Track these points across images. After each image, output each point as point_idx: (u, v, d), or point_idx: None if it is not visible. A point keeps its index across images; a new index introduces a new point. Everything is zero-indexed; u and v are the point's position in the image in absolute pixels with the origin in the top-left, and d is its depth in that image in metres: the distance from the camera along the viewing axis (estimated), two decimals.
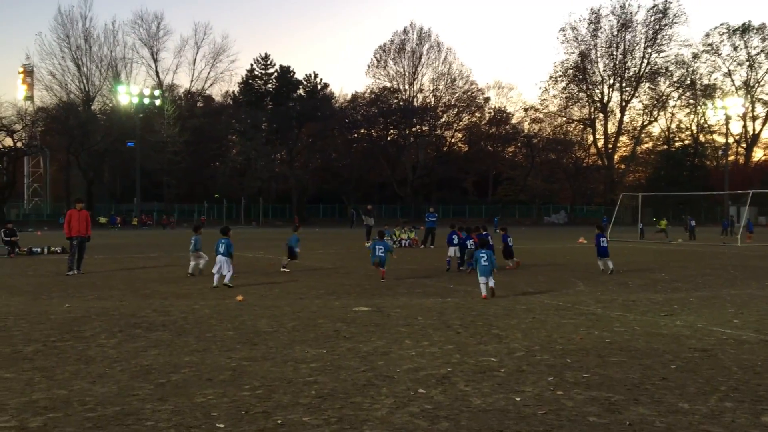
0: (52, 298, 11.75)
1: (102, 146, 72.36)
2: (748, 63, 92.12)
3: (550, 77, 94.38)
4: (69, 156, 72.32)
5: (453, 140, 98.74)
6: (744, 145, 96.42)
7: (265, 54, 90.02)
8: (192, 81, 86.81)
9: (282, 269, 16.99)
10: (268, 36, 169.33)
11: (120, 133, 71.14)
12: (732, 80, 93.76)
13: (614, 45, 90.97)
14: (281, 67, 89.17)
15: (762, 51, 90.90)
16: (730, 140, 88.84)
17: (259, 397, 5.48)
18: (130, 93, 67.64)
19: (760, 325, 9.03)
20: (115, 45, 79.74)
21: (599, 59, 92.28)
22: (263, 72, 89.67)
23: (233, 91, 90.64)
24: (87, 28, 76.46)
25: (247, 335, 8.19)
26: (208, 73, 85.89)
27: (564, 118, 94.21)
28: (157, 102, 70.99)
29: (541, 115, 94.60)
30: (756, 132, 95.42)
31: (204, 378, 6.11)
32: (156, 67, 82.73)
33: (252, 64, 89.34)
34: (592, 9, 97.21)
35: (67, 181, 75.15)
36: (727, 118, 78.17)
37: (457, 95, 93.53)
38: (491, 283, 11.87)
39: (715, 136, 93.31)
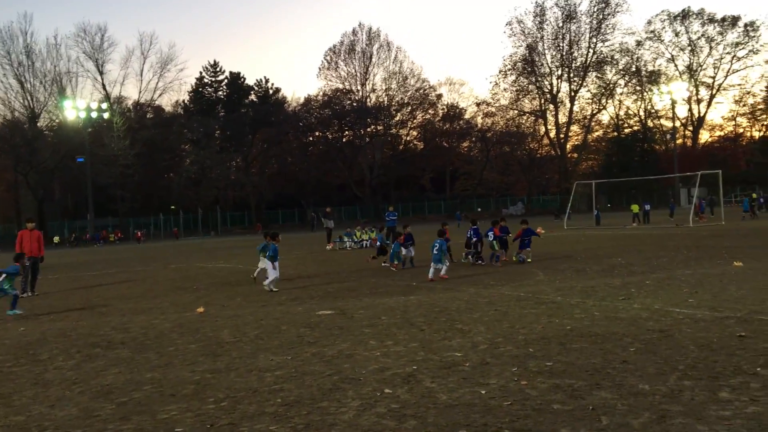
0: (6, 322, 11.41)
1: (51, 163, 70.78)
2: (689, 48, 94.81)
3: (500, 71, 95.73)
4: (17, 175, 70.44)
5: (408, 138, 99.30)
6: (690, 128, 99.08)
7: (214, 61, 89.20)
8: (140, 92, 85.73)
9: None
10: (217, 43, 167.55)
11: (69, 149, 69.66)
12: (675, 65, 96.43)
13: (560, 36, 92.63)
14: (231, 73, 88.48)
15: (702, 35, 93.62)
16: (677, 124, 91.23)
17: (224, 410, 5.41)
18: (77, 107, 66.30)
19: (714, 303, 9.28)
20: (58, 59, 78.34)
21: (546, 51, 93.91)
22: (213, 79, 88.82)
23: (183, 101, 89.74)
24: (28, 43, 74.92)
25: (210, 347, 8.08)
26: (157, 83, 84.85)
27: (516, 111, 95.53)
28: (106, 115, 69.75)
29: (494, 109, 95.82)
30: (701, 115, 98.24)
31: (167, 394, 6.00)
32: (102, 79, 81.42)
33: (201, 72, 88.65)
34: (536, 2, 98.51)
35: (16, 201, 73.19)
36: (673, 103, 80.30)
37: (409, 93, 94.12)
38: (443, 271, 14.00)
39: (663, 121, 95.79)
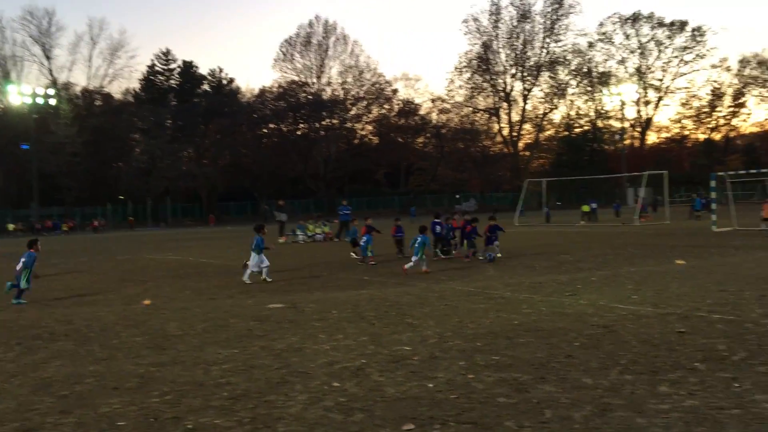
0: None
1: None
2: (639, 50, 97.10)
3: (455, 68, 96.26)
4: None
5: (363, 133, 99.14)
6: (639, 129, 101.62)
7: (167, 49, 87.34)
8: (89, 78, 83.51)
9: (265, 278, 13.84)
10: (169, 31, 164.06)
11: (13, 135, 67.41)
12: (625, 67, 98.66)
13: (515, 35, 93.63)
14: (184, 62, 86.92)
15: (652, 39, 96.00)
16: (626, 125, 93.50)
17: (168, 403, 5.32)
18: (22, 93, 64.29)
19: (656, 300, 9.54)
20: (3, 43, 75.64)
21: (501, 49, 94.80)
22: (165, 68, 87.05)
23: (134, 88, 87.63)
24: None
25: (156, 340, 7.94)
26: (106, 70, 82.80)
27: (470, 108, 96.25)
28: (52, 101, 67.68)
29: (448, 106, 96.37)
30: (649, 116, 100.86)
31: (110, 387, 5.87)
32: (49, 64, 78.99)
33: (153, 60, 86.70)
34: (492, 1, 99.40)
35: None
36: (622, 104, 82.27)
37: (365, 88, 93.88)
38: (423, 266, 14.30)
39: (612, 121, 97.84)
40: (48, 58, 78.44)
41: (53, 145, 68.26)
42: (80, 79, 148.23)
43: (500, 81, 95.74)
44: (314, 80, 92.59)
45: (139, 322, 9.30)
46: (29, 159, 64.60)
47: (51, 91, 67.96)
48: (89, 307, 11.01)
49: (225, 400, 5.35)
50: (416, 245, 14.60)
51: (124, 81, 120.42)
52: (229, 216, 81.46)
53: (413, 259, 14.45)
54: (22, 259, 12.16)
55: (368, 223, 17.95)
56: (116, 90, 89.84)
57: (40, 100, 65.00)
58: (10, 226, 59.74)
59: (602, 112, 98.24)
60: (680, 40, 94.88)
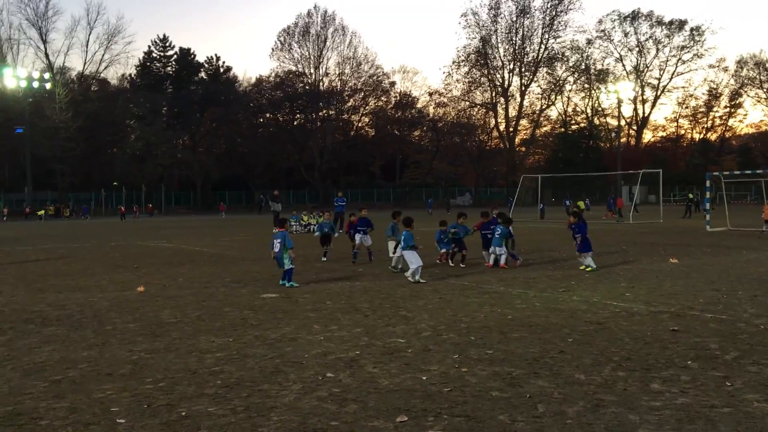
0: None
1: None
2: (637, 49, 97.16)
3: (453, 62, 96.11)
4: None
5: (360, 124, 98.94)
6: (635, 127, 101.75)
7: (164, 35, 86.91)
8: (85, 63, 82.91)
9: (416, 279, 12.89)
10: (167, 17, 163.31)
11: (7, 119, 67.00)
12: (623, 65, 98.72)
13: (513, 31, 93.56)
14: (181, 49, 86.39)
15: (650, 37, 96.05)
16: (622, 123, 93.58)
17: (162, 390, 5.32)
18: (17, 76, 63.85)
19: (649, 297, 9.58)
20: None
21: (499, 44, 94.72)
22: (162, 54, 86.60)
23: (130, 74, 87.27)
24: None
25: (149, 327, 7.93)
26: (103, 55, 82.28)
27: (467, 102, 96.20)
28: (48, 85, 67.29)
29: (445, 100, 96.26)
30: (645, 115, 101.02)
31: (103, 373, 5.87)
32: (45, 48, 78.45)
33: (150, 46, 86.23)
34: None
35: None
36: (619, 102, 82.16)
37: (363, 79, 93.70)
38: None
39: (608, 119, 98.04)
40: (44, 41, 77.98)
41: (48, 129, 67.90)
42: (76, 64, 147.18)
43: (498, 76, 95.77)
44: (312, 71, 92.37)
45: (132, 308, 9.28)
46: (23, 143, 64.17)
47: (46, 75, 67.48)
48: (82, 293, 10.98)
49: (219, 388, 5.35)
50: (497, 237, 13.90)
51: (121, 67, 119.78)
52: (223, 205, 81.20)
53: (498, 251, 13.89)
54: (277, 240, 11.43)
55: (363, 216, 15.77)
56: (112, 75, 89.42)
57: (35, 84, 64.56)
58: (42, 211, 59.46)
59: (599, 109, 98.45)
60: (679, 39, 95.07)
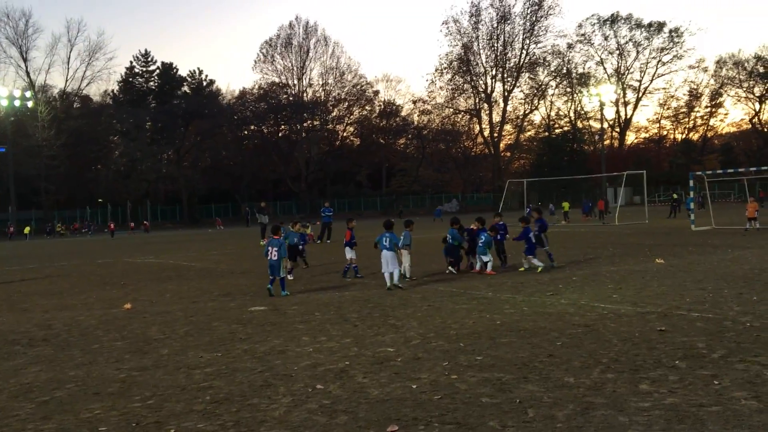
0: None
1: None
2: (618, 51, 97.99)
3: (436, 69, 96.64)
4: None
5: (345, 134, 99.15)
6: (618, 130, 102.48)
7: (146, 51, 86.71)
8: (67, 81, 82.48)
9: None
10: (148, 32, 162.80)
11: None
12: (604, 68, 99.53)
13: (495, 37, 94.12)
14: (163, 64, 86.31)
15: (630, 40, 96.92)
16: (605, 125, 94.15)
17: (150, 408, 5.28)
18: None
19: (636, 299, 9.63)
20: None
21: (481, 51, 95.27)
22: (144, 69, 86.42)
23: (113, 90, 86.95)
24: None
25: (137, 344, 7.87)
26: (84, 71, 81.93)
27: (451, 109, 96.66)
28: (29, 104, 66.84)
29: (430, 107, 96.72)
30: (628, 116, 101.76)
31: (91, 392, 5.82)
32: (26, 66, 78.00)
33: (132, 62, 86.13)
34: (472, 2, 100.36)
35: None
36: (602, 105, 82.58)
37: (346, 89, 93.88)
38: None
39: (591, 122, 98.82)
40: (25, 60, 77.52)
41: (30, 148, 67.47)
42: (58, 82, 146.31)
43: (481, 82, 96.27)
44: (295, 82, 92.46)
45: (119, 326, 9.21)
46: (6, 162, 63.66)
47: (28, 94, 67.06)
48: (69, 311, 10.89)
49: (208, 404, 5.32)
50: (481, 245, 13.87)
51: (103, 83, 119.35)
52: (209, 218, 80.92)
53: (484, 259, 13.84)
54: (274, 248, 11.68)
55: (352, 226, 15.05)
56: (94, 92, 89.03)
57: (16, 103, 64.13)
58: (59, 227, 61.53)
59: (582, 112, 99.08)
60: (658, 41, 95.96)
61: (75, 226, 67.11)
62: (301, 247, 16.18)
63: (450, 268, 14.30)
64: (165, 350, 7.45)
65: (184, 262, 20.76)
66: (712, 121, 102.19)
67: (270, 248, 11.81)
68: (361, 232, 15.86)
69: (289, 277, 13.92)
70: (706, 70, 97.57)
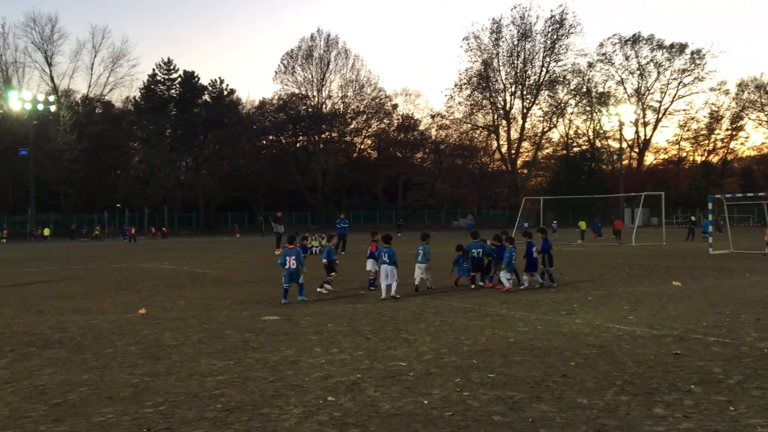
0: None
1: None
2: (638, 72, 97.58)
3: (455, 85, 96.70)
4: None
5: (362, 146, 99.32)
6: (636, 150, 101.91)
7: (168, 59, 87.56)
8: (90, 86, 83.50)
9: (320, 290, 13.80)
10: (171, 40, 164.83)
11: (12, 141, 67.39)
12: (624, 88, 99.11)
13: (515, 54, 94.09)
14: (185, 72, 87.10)
15: (651, 60, 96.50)
16: (624, 145, 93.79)
17: (162, 414, 5.30)
18: (23, 99, 64.29)
19: (652, 321, 9.54)
20: (5, 48, 75.92)
21: (501, 68, 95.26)
22: (166, 77, 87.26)
23: (134, 97, 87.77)
24: None
25: (150, 350, 7.91)
26: (107, 78, 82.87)
27: (469, 125, 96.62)
28: (52, 108, 67.74)
29: (448, 122, 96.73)
30: (647, 137, 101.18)
31: (103, 396, 5.85)
32: (51, 71, 79.02)
33: (154, 69, 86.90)
34: (493, 19, 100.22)
35: None
36: (621, 124, 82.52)
37: (365, 102, 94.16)
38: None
39: (610, 141, 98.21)
40: (49, 64, 78.58)
41: (52, 151, 68.24)
42: (81, 87, 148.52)
43: (500, 99, 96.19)
44: (314, 93, 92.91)
45: (133, 331, 9.26)
46: (27, 165, 64.44)
47: (51, 98, 67.97)
48: (83, 315, 10.97)
49: (219, 411, 5.33)
50: (507, 261, 13.65)
51: (125, 89, 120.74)
52: (225, 226, 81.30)
53: (507, 276, 13.67)
54: (291, 257, 12.13)
55: (377, 238, 14.27)
56: (116, 98, 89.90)
57: (40, 107, 64.98)
58: (96, 231, 62.97)
59: (600, 131, 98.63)
60: (679, 62, 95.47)
61: (110, 231, 68.17)
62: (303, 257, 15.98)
63: (480, 282, 14.39)
64: (178, 356, 7.47)
65: (198, 269, 20.86)
66: (732, 144, 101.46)
67: (288, 258, 12.14)
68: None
69: (329, 288, 13.98)
70: (728, 93, 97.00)
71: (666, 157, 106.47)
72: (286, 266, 12.10)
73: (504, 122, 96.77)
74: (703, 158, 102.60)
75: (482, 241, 14.76)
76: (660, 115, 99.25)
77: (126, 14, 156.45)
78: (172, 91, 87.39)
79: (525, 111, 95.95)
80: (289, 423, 5.02)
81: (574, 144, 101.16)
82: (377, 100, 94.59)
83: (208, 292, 14.18)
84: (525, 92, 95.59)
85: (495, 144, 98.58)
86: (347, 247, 27.75)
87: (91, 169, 76.00)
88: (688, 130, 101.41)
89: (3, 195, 75.32)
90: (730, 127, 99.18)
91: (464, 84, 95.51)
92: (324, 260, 14.44)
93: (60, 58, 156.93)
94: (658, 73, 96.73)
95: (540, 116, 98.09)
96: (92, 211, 74.21)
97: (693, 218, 43.71)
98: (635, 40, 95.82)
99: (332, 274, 14.31)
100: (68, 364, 7.17)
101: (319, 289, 13.77)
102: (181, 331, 9.14)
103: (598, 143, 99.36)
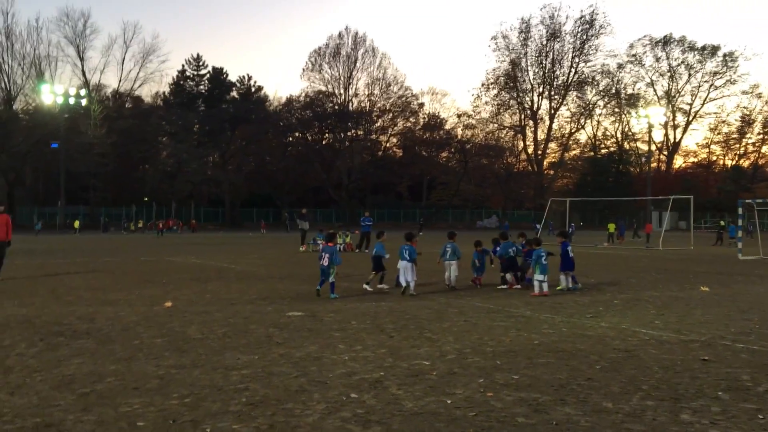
0: None
1: (24, 147, 69.58)
2: (669, 74, 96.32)
3: (482, 84, 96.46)
4: None
5: (388, 145, 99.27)
6: (665, 153, 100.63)
7: (197, 55, 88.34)
8: (120, 81, 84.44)
9: (380, 286, 13.91)
10: (201, 37, 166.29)
11: (43, 134, 68.52)
12: (654, 90, 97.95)
13: (543, 54, 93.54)
14: (214, 68, 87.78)
15: (682, 62, 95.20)
16: (653, 148, 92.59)
17: (187, 406, 5.36)
18: (55, 92, 65.28)
19: (679, 325, 9.41)
20: (39, 43, 77.29)
21: (529, 68, 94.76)
22: (195, 73, 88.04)
23: (164, 92, 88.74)
24: (9, 24, 73.67)
25: (176, 342, 8.00)
26: (138, 73, 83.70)
27: (495, 125, 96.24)
28: (83, 102, 68.70)
29: (474, 122, 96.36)
30: (677, 140, 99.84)
31: (130, 387, 5.93)
32: (82, 66, 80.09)
33: (183, 65, 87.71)
34: (522, 19, 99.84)
35: None
36: (650, 127, 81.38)
37: (392, 100, 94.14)
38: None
39: (639, 144, 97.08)
40: (81, 59, 79.65)
41: (82, 145, 69.20)
42: (112, 81, 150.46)
43: (527, 99, 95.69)
44: (341, 91, 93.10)
45: (160, 323, 9.37)
46: (58, 158, 65.46)
47: (83, 92, 68.94)
48: (111, 307, 11.12)
49: (243, 405, 5.37)
50: (537, 262, 13.17)
51: (155, 85, 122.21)
52: (250, 222, 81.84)
53: (539, 278, 13.11)
54: (327, 255, 12.55)
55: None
56: (146, 93, 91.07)
57: (71, 101, 65.94)
58: (132, 226, 63.71)
59: (629, 134, 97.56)
60: (711, 64, 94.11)
61: (160, 226, 67.93)
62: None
63: (517, 285, 14.15)
64: (203, 350, 7.55)
65: (224, 264, 21.04)
66: (764, 149, 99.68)
67: (324, 254, 12.68)
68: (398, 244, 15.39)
69: (380, 287, 13.85)
70: (760, 96, 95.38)
71: (696, 160, 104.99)
72: (321, 262, 12.64)
73: (531, 123, 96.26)
74: (734, 162, 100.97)
75: (510, 242, 14.95)
76: (690, 118, 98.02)
77: (157, 11, 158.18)
78: (201, 87, 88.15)
79: (552, 112, 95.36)
80: (313, 419, 5.04)
81: (602, 146, 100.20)
82: (403, 99, 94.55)
83: (234, 287, 14.30)
84: (553, 93, 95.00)
85: (521, 144, 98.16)
86: (371, 244, 27.76)
87: (119, 163, 77.03)
88: (718, 134, 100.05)
89: (34, 187, 76.72)
90: (762, 131, 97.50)
91: (491, 83, 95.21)
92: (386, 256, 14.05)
93: (92, 52, 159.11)
94: (689, 75, 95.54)
95: (568, 117, 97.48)
96: (120, 205, 75.20)
97: (722, 223, 43.03)
98: (666, 41, 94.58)
99: (376, 273, 14.05)
100: (96, 355, 7.28)
101: (379, 286, 13.91)
102: (207, 325, 9.23)
103: (626, 145, 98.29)
